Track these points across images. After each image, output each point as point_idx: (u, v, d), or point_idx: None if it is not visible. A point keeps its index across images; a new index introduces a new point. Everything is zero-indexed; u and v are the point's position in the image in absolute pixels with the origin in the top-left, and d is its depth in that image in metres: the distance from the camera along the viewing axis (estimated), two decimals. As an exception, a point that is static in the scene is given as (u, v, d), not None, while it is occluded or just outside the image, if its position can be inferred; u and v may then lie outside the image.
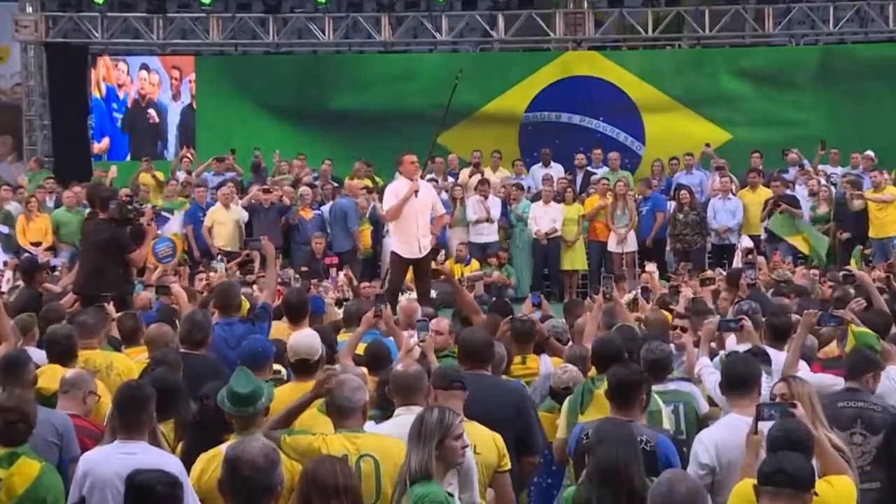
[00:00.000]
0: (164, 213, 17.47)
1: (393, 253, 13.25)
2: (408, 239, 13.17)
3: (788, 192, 17.95)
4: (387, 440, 5.75)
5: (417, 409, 6.10)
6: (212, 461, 5.75)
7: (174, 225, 17.75)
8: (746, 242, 17.02)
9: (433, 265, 13.75)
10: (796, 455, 4.98)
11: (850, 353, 7.41)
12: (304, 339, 7.05)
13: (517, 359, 8.26)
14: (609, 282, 9.38)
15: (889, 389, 7.26)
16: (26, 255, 16.20)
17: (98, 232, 11.12)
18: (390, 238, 13.24)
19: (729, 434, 5.97)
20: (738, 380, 6.31)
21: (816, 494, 4.86)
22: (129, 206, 11.29)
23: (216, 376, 7.27)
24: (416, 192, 13.07)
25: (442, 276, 12.18)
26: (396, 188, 13.39)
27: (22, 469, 5.73)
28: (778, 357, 7.75)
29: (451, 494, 5.20)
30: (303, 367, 6.92)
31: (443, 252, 17.49)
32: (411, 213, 13.15)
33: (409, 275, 13.25)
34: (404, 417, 6.04)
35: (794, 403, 5.68)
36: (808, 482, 4.83)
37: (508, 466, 6.14)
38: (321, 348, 7.01)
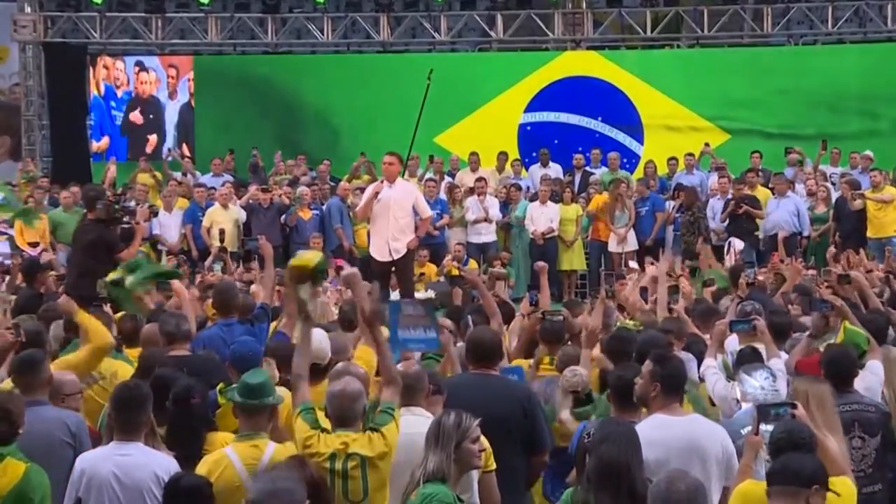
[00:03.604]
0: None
1: (370, 255, 13.22)
2: (378, 241, 13.13)
3: (748, 192, 17.93)
4: (377, 439, 5.78)
5: (417, 410, 6.15)
6: (218, 463, 5.81)
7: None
8: (737, 245, 16.98)
9: (455, 270, 13.65)
10: (802, 454, 5.00)
11: (825, 349, 7.38)
12: (313, 342, 7.04)
13: (546, 358, 8.21)
14: (612, 279, 9.40)
15: (873, 384, 7.24)
16: (27, 255, 16.16)
17: (86, 232, 11.08)
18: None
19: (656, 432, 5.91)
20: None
21: (837, 494, 4.88)
22: (117, 206, 11.24)
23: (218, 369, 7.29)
24: (377, 193, 13.02)
25: (468, 282, 12.08)
26: (369, 188, 13.40)
27: (7, 470, 5.71)
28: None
29: (460, 500, 5.20)
30: (313, 371, 6.93)
31: (467, 257, 17.52)
32: (383, 214, 13.05)
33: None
34: (404, 419, 6.05)
35: (795, 404, 5.67)
36: (810, 478, 4.85)
37: (493, 467, 6.12)
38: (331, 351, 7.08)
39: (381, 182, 13.23)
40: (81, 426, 6.48)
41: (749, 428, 5.88)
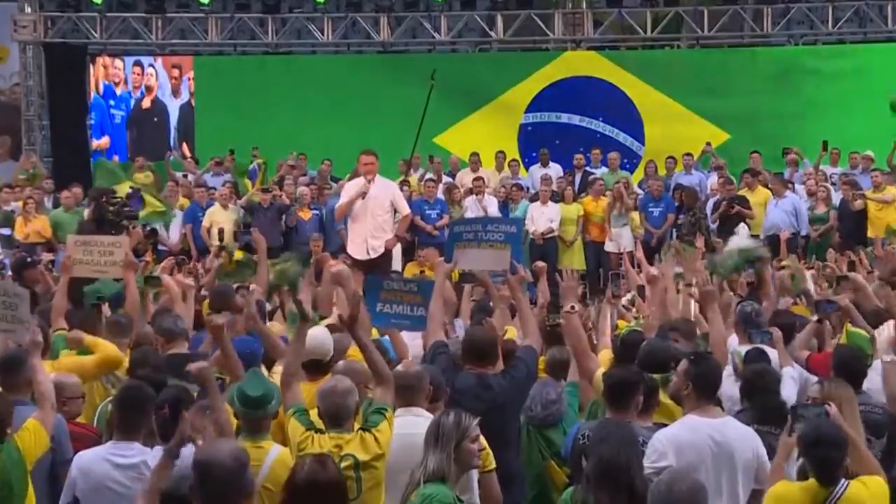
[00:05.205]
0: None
1: (347, 254, 13.17)
2: (356, 239, 13.10)
3: (740, 193, 17.89)
4: (370, 441, 5.79)
5: (417, 410, 6.14)
6: None
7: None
8: (744, 232, 16.91)
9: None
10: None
11: (837, 350, 7.38)
12: (316, 338, 7.04)
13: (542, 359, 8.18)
14: (617, 280, 9.38)
15: (877, 384, 7.24)
16: (17, 252, 16.12)
17: (79, 232, 11.08)
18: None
19: (689, 435, 5.92)
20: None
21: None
22: (111, 208, 11.23)
23: None
24: (364, 194, 12.99)
25: (477, 280, 12.08)
26: (350, 187, 13.35)
27: None
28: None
29: (460, 500, 5.20)
30: (315, 367, 6.95)
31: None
32: (362, 213, 13.03)
33: None
34: (404, 419, 6.06)
35: (830, 404, 5.68)
36: None
37: (493, 466, 6.13)
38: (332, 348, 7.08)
39: (369, 182, 13.18)
40: (60, 427, 6.44)
41: None
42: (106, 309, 9.20)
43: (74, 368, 7.62)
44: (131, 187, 14.49)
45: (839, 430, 5.41)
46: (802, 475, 5.49)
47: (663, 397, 6.67)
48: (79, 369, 7.61)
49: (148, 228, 16.21)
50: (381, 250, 13.19)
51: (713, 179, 19.08)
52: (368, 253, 13.02)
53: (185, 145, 22.88)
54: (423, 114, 16.82)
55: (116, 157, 22.34)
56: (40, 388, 6.24)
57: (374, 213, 13.02)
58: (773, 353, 7.72)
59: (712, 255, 11.15)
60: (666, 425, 6.28)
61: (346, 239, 17.65)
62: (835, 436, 5.34)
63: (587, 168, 20.26)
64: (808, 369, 8.02)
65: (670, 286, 9.07)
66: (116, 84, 23.09)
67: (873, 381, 7.23)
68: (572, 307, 7.25)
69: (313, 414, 6.02)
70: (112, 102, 23.12)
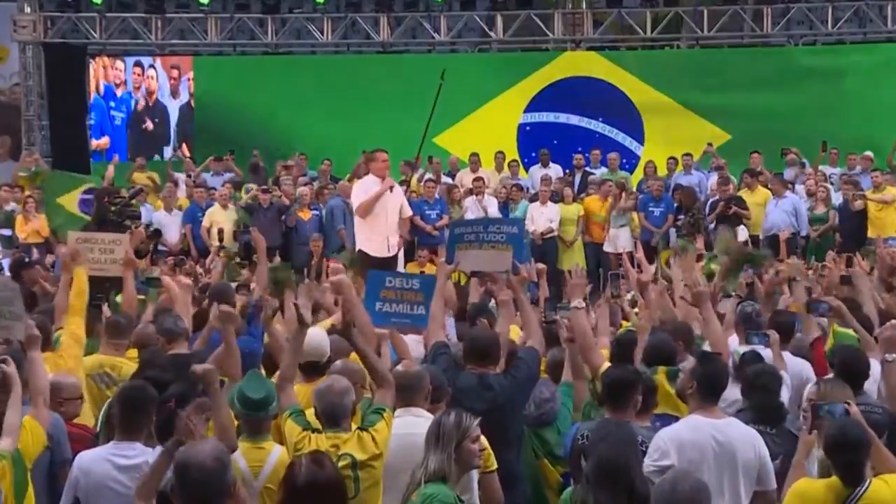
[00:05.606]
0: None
1: (360, 251, 13.19)
2: (376, 237, 13.15)
3: (737, 193, 17.88)
4: (368, 441, 5.79)
5: (417, 411, 6.14)
6: None
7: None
8: (741, 235, 16.93)
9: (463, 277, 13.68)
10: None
11: (839, 350, 7.39)
12: (313, 340, 7.01)
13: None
14: (616, 280, 9.39)
15: (868, 384, 7.23)
16: (17, 252, 16.12)
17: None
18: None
19: (691, 434, 5.93)
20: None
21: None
22: (113, 208, 11.23)
23: None
24: (392, 188, 13.11)
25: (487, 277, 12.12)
26: (366, 185, 13.39)
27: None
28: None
29: (461, 501, 5.20)
30: (312, 369, 6.94)
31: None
32: (382, 210, 13.12)
33: None
34: (403, 419, 6.06)
35: (850, 402, 5.68)
36: None
37: (494, 467, 6.13)
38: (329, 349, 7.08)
39: (387, 179, 13.29)
40: (58, 427, 6.44)
41: None
42: (106, 309, 9.23)
43: (77, 337, 7.64)
44: (86, 189, 14.45)
45: (864, 431, 5.40)
46: (825, 473, 5.48)
47: (670, 389, 6.68)
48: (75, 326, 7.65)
49: (151, 229, 16.24)
50: (397, 248, 13.32)
51: (713, 180, 19.07)
52: (389, 250, 13.10)
53: (184, 146, 22.87)
54: (430, 114, 16.83)
55: (116, 157, 22.35)
56: (37, 381, 6.21)
57: (392, 212, 13.16)
58: (768, 356, 7.72)
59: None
60: (672, 416, 6.29)
61: (346, 239, 17.76)
62: (860, 437, 5.33)
63: (587, 168, 20.28)
64: (812, 358, 8.05)
65: (678, 288, 9.07)
66: (117, 86, 23.09)
67: None
68: (579, 303, 7.26)
69: (310, 414, 6.03)
70: (112, 104, 23.13)
